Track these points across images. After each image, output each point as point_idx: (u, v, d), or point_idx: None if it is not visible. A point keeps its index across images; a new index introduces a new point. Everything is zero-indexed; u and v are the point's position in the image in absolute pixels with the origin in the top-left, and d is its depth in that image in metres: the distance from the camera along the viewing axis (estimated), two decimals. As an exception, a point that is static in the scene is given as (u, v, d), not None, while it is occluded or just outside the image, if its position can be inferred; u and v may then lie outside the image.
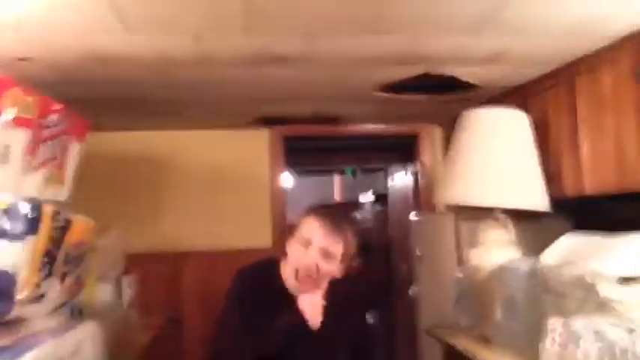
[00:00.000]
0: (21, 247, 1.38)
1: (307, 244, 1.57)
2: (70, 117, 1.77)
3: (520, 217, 2.30)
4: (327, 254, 1.57)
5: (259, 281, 1.65)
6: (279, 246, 1.73)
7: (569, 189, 2.13)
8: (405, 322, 3.65)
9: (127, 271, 2.95)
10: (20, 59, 1.94)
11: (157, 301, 3.17)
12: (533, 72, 2.30)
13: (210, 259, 3.30)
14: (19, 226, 1.38)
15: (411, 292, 3.22)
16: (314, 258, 1.56)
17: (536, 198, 2.08)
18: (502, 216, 2.23)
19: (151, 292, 3.13)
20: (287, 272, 1.63)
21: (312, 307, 1.53)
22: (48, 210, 1.48)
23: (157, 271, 3.23)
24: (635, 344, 1.17)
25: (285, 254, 1.66)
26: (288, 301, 1.59)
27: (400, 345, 3.98)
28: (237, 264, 3.36)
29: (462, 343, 2.15)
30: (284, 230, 1.60)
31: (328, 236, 1.57)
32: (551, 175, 2.18)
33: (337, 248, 1.57)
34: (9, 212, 1.38)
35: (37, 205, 1.44)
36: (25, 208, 1.41)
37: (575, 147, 2.07)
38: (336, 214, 1.66)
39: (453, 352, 2.21)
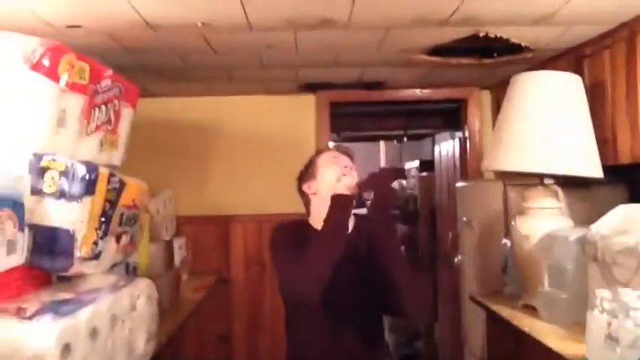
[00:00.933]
0: (79, 207, 1.46)
1: (339, 176, 1.71)
2: (122, 82, 1.82)
3: (571, 185, 2.24)
4: (350, 168, 1.75)
5: (297, 233, 1.75)
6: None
7: (625, 156, 2.05)
8: (449, 290, 3.65)
9: (178, 233, 3.07)
10: (69, 26, 2.00)
11: (206, 261, 3.29)
12: (588, 33, 2.20)
13: (257, 223, 3.38)
14: (77, 187, 1.45)
15: (456, 260, 3.20)
16: (353, 178, 1.70)
17: (588, 165, 2.01)
18: (552, 183, 2.18)
19: (201, 254, 3.26)
20: (316, 220, 1.73)
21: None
22: (103, 172, 1.54)
23: (206, 234, 3.34)
24: (688, 315, 1.14)
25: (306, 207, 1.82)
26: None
27: (443, 312, 3.99)
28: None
29: (507, 311, 2.14)
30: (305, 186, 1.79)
31: (344, 158, 1.79)
32: (606, 141, 2.10)
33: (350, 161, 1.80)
34: (67, 174, 1.45)
35: (93, 167, 1.51)
36: (82, 170, 1.47)
37: (634, 111, 1.99)
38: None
39: (497, 319, 2.20)
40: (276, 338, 2.87)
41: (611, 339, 1.30)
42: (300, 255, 1.58)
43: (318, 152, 1.88)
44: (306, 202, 1.83)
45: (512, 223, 2.21)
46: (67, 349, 1.15)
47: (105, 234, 1.63)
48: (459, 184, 3.20)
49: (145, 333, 1.65)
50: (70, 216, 1.45)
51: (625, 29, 2.04)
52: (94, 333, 1.29)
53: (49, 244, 1.45)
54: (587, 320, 1.41)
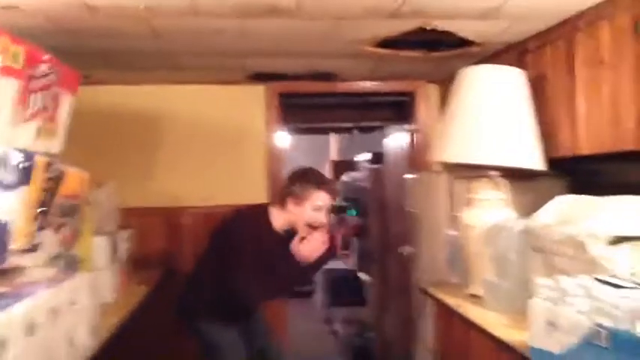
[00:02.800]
0: (14, 197, 1.39)
1: (319, 209, 2.30)
2: (61, 68, 1.74)
3: (515, 177, 2.30)
4: (327, 210, 2.34)
5: (258, 226, 2.29)
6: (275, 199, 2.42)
7: (565, 148, 2.12)
8: (399, 281, 3.70)
9: (122, 226, 2.97)
10: (5, 7, 1.89)
11: (154, 254, 3.20)
12: (532, 28, 2.26)
13: (206, 214, 3.32)
14: (12, 176, 1.38)
15: (404, 251, 3.25)
16: (324, 216, 2.32)
17: (531, 157, 2.08)
18: (496, 175, 2.24)
19: (148, 246, 3.17)
20: (280, 222, 2.33)
21: (318, 243, 2.30)
22: (40, 160, 1.48)
23: (153, 226, 3.25)
24: (622, 300, 1.19)
25: (280, 206, 2.32)
26: (282, 242, 2.31)
27: (393, 302, 4.05)
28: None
29: (453, 300, 2.18)
30: (284, 190, 2.35)
31: (331, 200, 2.35)
32: (547, 134, 2.17)
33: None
34: (2, 163, 1.38)
35: (29, 156, 1.44)
36: (17, 158, 1.40)
37: (572, 105, 2.06)
38: (330, 182, 2.50)
39: (445, 308, 2.25)
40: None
41: (552, 325, 1.34)
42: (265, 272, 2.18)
43: (319, 185, 2.30)
44: (281, 204, 2.33)
45: (458, 214, 2.25)
46: (1, 344, 1.09)
47: (43, 225, 1.56)
48: (407, 175, 3.25)
49: (86, 327, 1.59)
50: (4, 206, 1.37)
51: (566, 26, 2.11)
52: (30, 328, 1.22)
53: (-19, 237, 1.37)
54: (529, 308, 1.45)
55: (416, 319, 3.11)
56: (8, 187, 1.38)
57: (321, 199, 2.28)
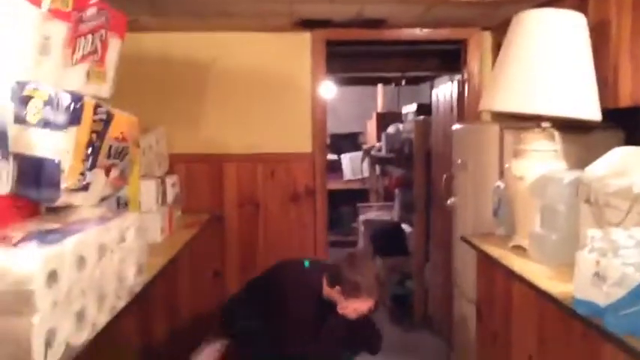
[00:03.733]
0: (64, 137, 1.42)
1: (363, 310, 2.44)
2: (109, 12, 1.75)
3: (568, 129, 2.21)
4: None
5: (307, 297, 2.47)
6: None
7: (625, 99, 2.01)
8: (442, 232, 3.68)
9: (170, 171, 3.05)
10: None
11: (199, 200, 3.29)
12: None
13: (251, 161, 3.36)
14: (62, 117, 1.41)
15: (448, 202, 3.20)
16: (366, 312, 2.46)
17: (588, 107, 1.97)
18: (548, 126, 2.15)
19: (194, 192, 3.25)
20: (331, 292, 2.46)
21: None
22: (89, 102, 1.50)
23: (199, 172, 3.32)
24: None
25: (341, 293, 2.42)
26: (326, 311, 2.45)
27: (435, 252, 4.04)
28: (277, 167, 3.43)
29: (497, 252, 2.15)
30: (337, 275, 2.45)
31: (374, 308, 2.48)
32: (606, 84, 2.05)
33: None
34: (51, 103, 1.41)
35: (78, 97, 1.47)
36: (66, 99, 1.43)
37: (636, 52, 1.93)
38: (379, 291, 2.52)
39: (488, 259, 2.22)
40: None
41: (599, 277, 1.30)
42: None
43: (370, 295, 2.43)
44: (333, 282, 2.45)
45: (507, 165, 2.19)
46: (52, 276, 1.14)
47: (92, 166, 1.60)
48: (456, 126, 3.17)
49: (134, 265, 1.65)
50: (55, 146, 1.42)
51: (634, -36, 1.96)
52: (81, 261, 1.28)
53: (35, 175, 1.42)
54: (577, 259, 1.41)
55: (457, 270, 3.09)
56: (59, 127, 1.42)
57: (366, 308, 2.43)
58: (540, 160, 2.07)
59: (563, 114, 1.97)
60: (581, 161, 1.98)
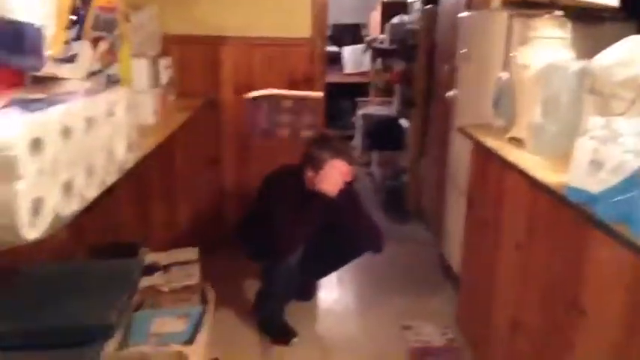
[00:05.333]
0: (45, 1, 1.33)
1: (341, 175, 2.47)
2: None
3: (583, 19, 2.11)
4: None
5: (291, 185, 2.53)
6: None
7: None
8: (440, 125, 3.64)
9: (164, 53, 2.94)
10: None
11: (194, 83, 3.20)
12: None
13: (248, 45, 3.23)
14: (42, -23, 1.32)
15: (449, 93, 3.13)
16: (345, 177, 2.50)
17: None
18: (560, 14, 2.04)
19: (188, 74, 3.16)
20: (310, 179, 2.50)
21: (336, 174, 2.47)
22: (71, -38, 1.39)
23: (194, 54, 3.20)
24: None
25: (313, 171, 2.48)
26: (311, 198, 2.45)
27: (432, 147, 4.03)
28: (276, 51, 3.31)
29: (493, 142, 2.13)
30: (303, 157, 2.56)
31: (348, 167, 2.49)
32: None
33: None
34: (30, -38, 1.31)
35: (57, -45, 1.36)
36: (45, -42, 1.32)
37: None
38: (348, 149, 2.65)
39: (483, 150, 2.20)
40: (265, 163, 2.90)
41: (596, 164, 1.28)
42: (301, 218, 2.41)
43: (336, 154, 2.47)
44: (305, 167, 2.52)
45: (513, 53, 2.10)
46: (36, 143, 1.11)
47: (78, 36, 1.53)
48: (462, 14, 3.02)
49: (124, 140, 1.62)
50: (36, 10, 1.33)
51: None
52: (66, 131, 1.25)
53: (16, 41, 1.34)
54: (575, 147, 1.38)
55: (452, 162, 3.09)
56: (38, -12, 1.32)
57: (338, 172, 2.44)
58: (549, 48, 1.98)
59: (578, -2, 1.86)
60: (591, 52, 1.88)
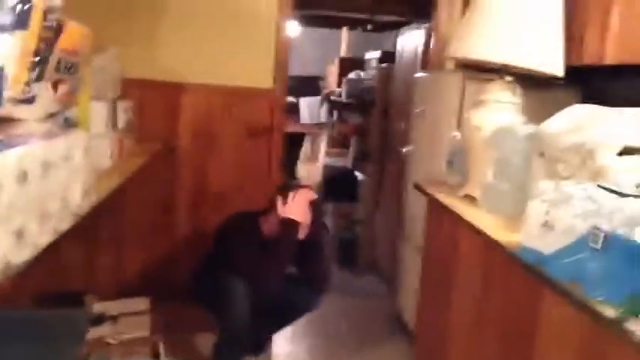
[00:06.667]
0: (9, 41, 1.31)
1: (301, 203, 2.57)
2: None
3: (530, 85, 2.23)
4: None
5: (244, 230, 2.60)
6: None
7: (591, 55, 2.03)
8: (394, 180, 3.72)
9: (123, 96, 2.91)
10: None
11: (153, 128, 3.17)
12: None
13: (209, 93, 3.25)
14: (8, 18, 1.30)
15: (404, 150, 3.22)
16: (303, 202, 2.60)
17: (551, 61, 1.98)
18: (511, 79, 2.16)
19: (147, 118, 3.13)
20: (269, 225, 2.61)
21: (302, 201, 2.57)
22: (39, 5, 1.39)
23: (153, 99, 3.19)
24: (625, 206, 1.17)
25: (272, 210, 2.59)
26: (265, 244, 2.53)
27: (386, 200, 4.10)
28: (236, 100, 3.34)
29: (448, 199, 2.19)
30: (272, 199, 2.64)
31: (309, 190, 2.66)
32: (574, 39, 2.06)
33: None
34: (-4, 2, 1.29)
35: (26, -1, 1.35)
36: (13, 0, 1.32)
37: (607, 10, 1.94)
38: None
39: (437, 206, 2.26)
40: (219, 210, 2.87)
41: (547, 226, 1.34)
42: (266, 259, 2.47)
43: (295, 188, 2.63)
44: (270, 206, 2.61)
45: (466, 114, 2.20)
46: (-9, 187, 1.07)
47: (39, 77, 1.50)
48: (418, 74, 3.15)
49: (81, 186, 1.58)
50: (0, 50, 1.31)
51: None
52: (23, 176, 1.21)
53: (-25, 80, 1.32)
54: (527, 209, 1.44)
55: (406, 217, 3.15)
56: (3, 29, 1.31)
57: (302, 199, 2.55)
58: (499, 111, 2.08)
59: (527, 65, 1.97)
60: (539, 116, 2.00)
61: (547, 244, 1.34)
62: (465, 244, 2.00)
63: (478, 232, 1.82)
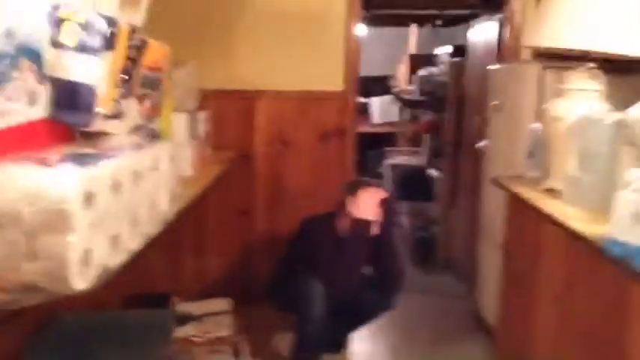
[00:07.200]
0: (99, 62, 1.41)
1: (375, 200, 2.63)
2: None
3: (615, 71, 2.13)
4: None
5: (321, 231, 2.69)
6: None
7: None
8: (470, 176, 3.64)
9: (201, 107, 3.04)
10: None
11: (229, 137, 3.29)
12: None
13: (282, 99, 3.32)
14: (97, 41, 1.40)
15: (479, 145, 3.15)
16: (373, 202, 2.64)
17: (635, 44, 1.88)
18: (594, 66, 2.07)
19: (222, 127, 3.25)
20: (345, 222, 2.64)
21: (370, 201, 2.62)
22: (124, 27, 1.48)
23: (229, 108, 3.30)
24: None
25: (344, 210, 2.64)
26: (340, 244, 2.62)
27: (462, 197, 4.02)
28: (308, 104, 3.40)
29: (529, 194, 2.12)
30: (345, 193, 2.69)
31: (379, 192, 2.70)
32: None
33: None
34: (87, 27, 1.39)
35: (113, 21, 1.45)
36: (102, 24, 1.41)
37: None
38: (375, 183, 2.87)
39: (518, 202, 2.19)
40: (295, 214, 2.93)
41: (638, 217, 1.27)
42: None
43: (364, 187, 2.69)
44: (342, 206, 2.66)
45: (546, 105, 2.12)
46: (89, 198, 1.16)
47: (126, 93, 1.60)
48: (493, 66, 3.07)
49: (167, 193, 1.67)
50: (91, 71, 1.41)
51: None
52: (116, 185, 1.30)
53: (71, 99, 1.42)
54: (615, 200, 1.37)
55: (485, 214, 3.07)
56: (93, 51, 1.41)
57: (372, 199, 2.60)
58: (582, 100, 2.00)
59: (611, 50, 1.88)
60: (625, 104, 1.90)
61: (638, 236, 1.27)
62: (549, 240, 1.93)
63: (562, 226, 1.75)
